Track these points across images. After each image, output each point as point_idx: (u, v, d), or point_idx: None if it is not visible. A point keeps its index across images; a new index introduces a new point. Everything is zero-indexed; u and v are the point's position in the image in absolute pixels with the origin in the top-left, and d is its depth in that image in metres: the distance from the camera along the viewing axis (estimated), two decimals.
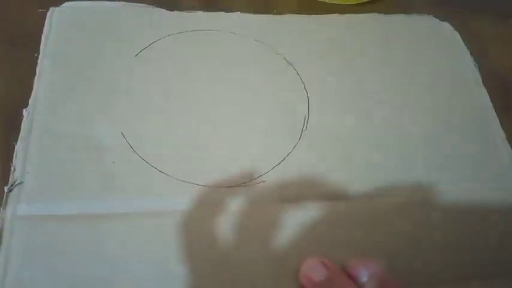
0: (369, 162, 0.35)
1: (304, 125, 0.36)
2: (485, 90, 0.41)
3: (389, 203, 0.34)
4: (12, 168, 0.32)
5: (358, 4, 0.46)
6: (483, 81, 0.42)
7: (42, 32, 0.38)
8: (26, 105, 0.34)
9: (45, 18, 0.39)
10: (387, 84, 0.40)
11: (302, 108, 0.37)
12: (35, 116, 0.34)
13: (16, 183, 0.31)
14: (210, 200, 0.32)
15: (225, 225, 0.31)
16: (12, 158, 0.32)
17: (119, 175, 0.32)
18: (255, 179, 0.33)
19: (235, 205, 0.32)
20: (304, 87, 0.38)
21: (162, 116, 0.35)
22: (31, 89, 0.35)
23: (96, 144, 0.33)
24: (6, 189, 0.31)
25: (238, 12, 0.42)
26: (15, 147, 0.32)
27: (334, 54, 0.41)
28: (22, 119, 0.33)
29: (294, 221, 0.32)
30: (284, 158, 0.34)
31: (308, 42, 0.41)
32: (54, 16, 0.39)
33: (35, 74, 0.36)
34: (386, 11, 0.46)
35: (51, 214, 0.30)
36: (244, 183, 0.33)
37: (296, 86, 0.38)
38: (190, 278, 0.29)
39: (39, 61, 0.36)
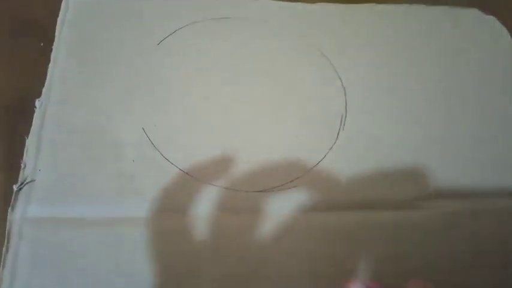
0: (412, 167, 0.32)
1: (341, 124, 0.33)
2: None
3: (440, 214, 0.30)
4: (22, 165, 0.29)
5: None
6: None
7: (49, 20, 0.35)
8: (32, 96, 0.31)
9: (54, 3, 0.36)
10: (430, 81, 0.36)
11: (339, 106, 0.34)
12: (48, 108, 0.31)
13: (26, 181, 0.28)
14: (237, 205, 0.29)
15: (252, 232, 0.28)
16: (19, 153, 0.29)
17: (138, 175, 0.29)
18: (286, 183, 0.30)
19: (263, 211, 0.29)
20: (342, 84, 0.35)
21: (185, 111, 0.32)
22: (38, 79, 0.32)
23: (114, 140, 0.30)
24: (15, 187, 0.28)
25: None
26: (26, 142, 0.30)
27: (373, 47, 0.37)
28: (33, 111, 0.31)
29: (328, 231, 0.29)
30: (318, 162, 0.31)
31: (344, 34, 0.38)
32: (70, 0, 0.36)
33: (39, 63, 0.33)
34: (428, 2, 0.42)
35: (64, 217, 0.28)
36: (273, 188, 0.30)
37: (332, 81, 0.35)
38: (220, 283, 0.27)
39: (54, 47, 0.33)
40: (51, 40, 0.34)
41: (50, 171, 0.29)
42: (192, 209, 0.29)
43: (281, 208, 0.29)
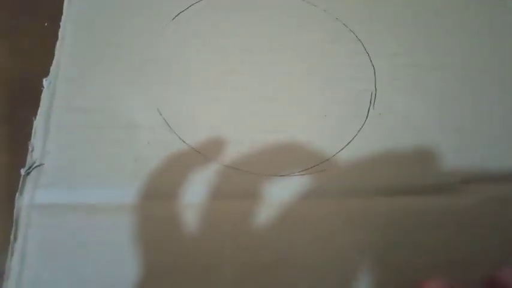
0: (449, 148, 0.29)
1: (370, 103, 0.30)
2: None
3: (480, 198, 0.28)
4: (30, 148, 0.27)
5: None
6: None
7: None
8: (34, 77, 0.29)
9: None
10: (468, 57, 0.33)
11: (368, 84, 0.31)
12: (56, 88, 0.29)
13: (35, 164, 0.27)
14: (259, 191, 0.27)
15: (277, 220, 0.26)
16: (22, 137, 0.28)
17: (152, 158, 0.27)
18: (312, 167, 0.28)
19: (288, 197, 0.27)
20: (370, 60, 0.32)
21: (201, 91, 0.30)
22: (39, 60, 0.30)
23: (128, 121, 0.28)
24: (23, 171, 0.26)
25: None
26: (34, 123, 0.28)
27: (404, 19, 0.34)
28: (35, 93, 0.29)
29: (359, 218, 0.27)
30: (347, 143, 0.29)
31: (372, 8, 0.35)
32: None
33: (45, 44, 0.31)
34: None
35: (74, 203, 0.26)
36: (299, 172, 0.28)
37: (360, 58, 0.32)
38: (237, 274, 0.25)
39: (61, 24, 0.31)
40: (53, 19, 0.32)
41: (59, 154, 0.27)
42: (211, 194, 0.27)
43: (308, 193, 0.27)
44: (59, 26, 0.31)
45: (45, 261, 0.24)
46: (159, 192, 0.26)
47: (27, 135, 0.28)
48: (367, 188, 0.27)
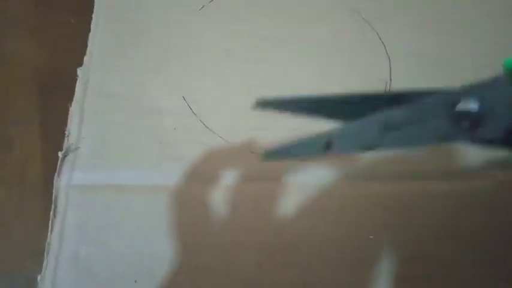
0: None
1: (385, 92, 0.32)
2: None
3: (492, 183, 0.29)
4: (66, 133, 0.29)
5: None
6: None
7: None
8: (65, 67, 0.31)
9: None
10: (480, 51, 0.34)
11: (382, 73, 0.33)
12: (90, 77, 0.31)
13: (72, 148, 0.29)
14: (277, 174, 0.29)
15: (299, 202, 0.28)
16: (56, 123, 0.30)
17: (178, 143, 0.29)
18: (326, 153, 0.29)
19: (311, 181, 0.28)
20: (385, 49, 0.33)
21: (223, 78, 0.32)
22: (67, 52, 0.32)
23: (155, 108, 0.30)
24: (60, 154, 0.28)
25: None
26: (70, 109, 0.30)
27: (419, 9, 0.35)
28: (66, 83, 0.31)
29: (379, 202, 0.28)
30: None
31: None
32: None
33: (69, 36, 0.33)
34: None
35: (106, 184, 0.28)
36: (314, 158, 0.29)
37: (375, 47, 0.34)
38: (260, 252, 0.27)
39: (93, 16, 0.33)
40: (79, 13, 0.34)
41: (93, 138, 0.29)
42: (232, 178, 0.28)
43: (324, 177, 0.29)
44: (83, 19, 0.33)
45: (82, 237, 0.27)
46: (186, 175, 0.28)
47: (60, 124, 0.30)
48: (387, 173, 0.29)
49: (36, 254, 0.26)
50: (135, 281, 0.26)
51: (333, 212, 0.28)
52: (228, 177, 0.28)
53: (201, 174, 0.28)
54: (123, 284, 0.25)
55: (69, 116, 0.30)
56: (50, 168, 0.28)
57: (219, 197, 0.28)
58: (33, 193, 0.29)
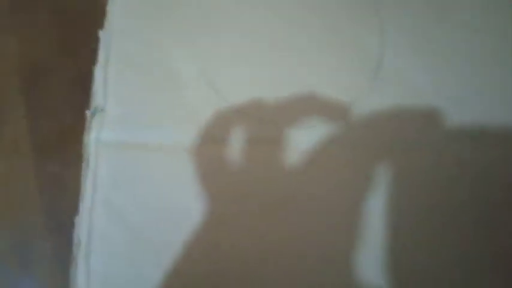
0: (456, 110, 0.33)
1: (377, 65, 0.34)
2: None
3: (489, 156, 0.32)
4: (93, 92, 0.32)
5: None
6: None
7: None
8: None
9: None
10: (485, 17, 0.35)
11: (376, 45, 0.34)
12: (112, 40, 0.33)
13: (98, 109, 0.32)
14: (277, 138, 0.32)
15: (297, 164, 0.32)
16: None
17: (196, 108, 0.33)
18: (324, 121, 0.33)
19: (309, 146, 0.32)
20: (379, 19, 0.35)
21: (242, 57, 0.34)
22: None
23: (175, 74, 0.33)
24: (88, 113, 0.32)
25: None
26: (95, 71, 0.32)
27: None
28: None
29: (373, 168, 0.32)
30: (353, 103, 0.33)
31: None
32: None
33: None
34: None
35: (133, 142, 0.32)
36: (319, 123, 0.33)
37: (369, 17, 0.35)
38: (261, 207, 0.31)
39: None
40: None
41: (117, 99, 0.32)
42: (241, 141, 0.32)
43: (326, 143, 0.32)
44: None
45: (114, 185, 0.31)
46: (202, 137, 0.32)
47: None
48: (381, 141, 0.32)
49: None
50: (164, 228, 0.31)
51: (324, 174, 0.32)
52: (237, 139, 0.32)
53: (215, 135, 0.32)
54: (152, 230, 0.31)
55: (94, 77, 0.32)
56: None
57: (231, 155, 0.32)
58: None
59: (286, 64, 0.34)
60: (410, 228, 0.31)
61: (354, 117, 0.33)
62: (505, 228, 0.31)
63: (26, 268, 0.35)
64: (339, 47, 0.35)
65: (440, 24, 0.35)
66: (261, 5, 0.35)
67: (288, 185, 0.32)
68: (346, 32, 0.35)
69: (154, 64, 0.33)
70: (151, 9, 0.34)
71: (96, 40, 0.33)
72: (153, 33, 0.34)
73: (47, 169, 0.37)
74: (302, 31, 0.35)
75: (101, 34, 0.33)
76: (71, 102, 0.38)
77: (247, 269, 0.30)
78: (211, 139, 0.32)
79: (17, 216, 0.36)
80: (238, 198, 0.31)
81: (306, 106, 0.33)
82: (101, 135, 0.32)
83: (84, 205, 0.31)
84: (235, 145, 0.32)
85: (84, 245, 0.30)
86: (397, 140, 0.33)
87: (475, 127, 0.33)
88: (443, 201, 0.32)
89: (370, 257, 0.30)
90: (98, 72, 0.32)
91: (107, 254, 0.30)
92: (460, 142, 0.33)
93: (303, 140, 0.32)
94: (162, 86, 0.33)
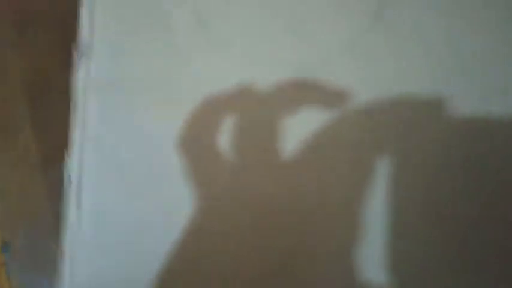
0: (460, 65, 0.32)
1: (378, 4, 0.32)
2: None
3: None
4: (79, 27, 0.32)
5: None
6: None
7: None
8: None
9: None
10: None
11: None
12: None
13: (84, 46, 0.32)
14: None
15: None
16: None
17: (191, 54, 0.32)
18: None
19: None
20: None
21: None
22: None
23: (165, 14, 0.32)
24: (76, 53, 0.32)
25: None
26: (80, 10, 0.32)
27: None
28: None
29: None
30: (349, 45, 0.32)
31: None
32: None
33: None
34: None
35: (121, 80, 0.32)
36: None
37: None
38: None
39: None
40: None
41: (104, 36, 0.32)
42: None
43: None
44: None
45: (102, 123, 0.32)
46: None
47: None
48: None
49: None
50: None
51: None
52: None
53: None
54: (142, 166, 0.31)
55: (80, 15, 0.32)
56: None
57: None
58: None
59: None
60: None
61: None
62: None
63: (37, 266, 0.39)
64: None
65: None
66: None
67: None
68: None
69: (143, 5, 0.33)
70: None
71: None
72: None
73: (55, 175, 0.37)
74: None
75: None
76: None
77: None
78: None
79: (29, 219, 0.40)
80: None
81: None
82: (89, 73, 0.32)
83: (74, 142, 0.31)
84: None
85: (75, 182, 0.31)
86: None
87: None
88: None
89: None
90: (85, 11, 0.32)
91: (97, 189, 0.31)
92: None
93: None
94: (153, 28, 0.32)
